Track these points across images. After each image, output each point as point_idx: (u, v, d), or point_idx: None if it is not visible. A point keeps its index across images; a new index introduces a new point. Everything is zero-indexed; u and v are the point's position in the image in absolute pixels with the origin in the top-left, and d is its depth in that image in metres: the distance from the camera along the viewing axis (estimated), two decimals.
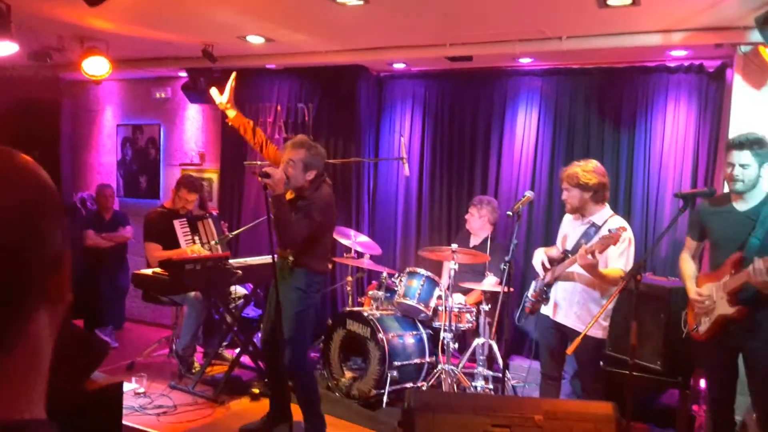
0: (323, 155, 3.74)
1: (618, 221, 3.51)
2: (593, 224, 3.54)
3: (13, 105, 6.63)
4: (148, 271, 4.48)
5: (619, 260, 3.39)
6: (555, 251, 3.78)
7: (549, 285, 3.66)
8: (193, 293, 4.82)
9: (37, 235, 0.66)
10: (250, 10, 4.19)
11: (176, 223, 4.93)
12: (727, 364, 3.24)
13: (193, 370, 4.90)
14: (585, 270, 3.36)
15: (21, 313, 0.65)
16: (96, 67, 5.17)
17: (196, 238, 5.02)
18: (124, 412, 3.22)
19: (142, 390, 4.48)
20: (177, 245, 4.90)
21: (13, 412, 0.66)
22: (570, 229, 3.71)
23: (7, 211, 0.64)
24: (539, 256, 3.74)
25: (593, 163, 3.56)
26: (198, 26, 4.67)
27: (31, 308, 0.66)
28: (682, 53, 4.57)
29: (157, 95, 6.75)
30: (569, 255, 3.53)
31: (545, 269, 3.68)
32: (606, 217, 3.55)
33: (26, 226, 0.65)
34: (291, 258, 3.66)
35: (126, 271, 5.99)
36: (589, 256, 3.24)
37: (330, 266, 4.03)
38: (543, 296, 3.66)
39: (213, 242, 5.02)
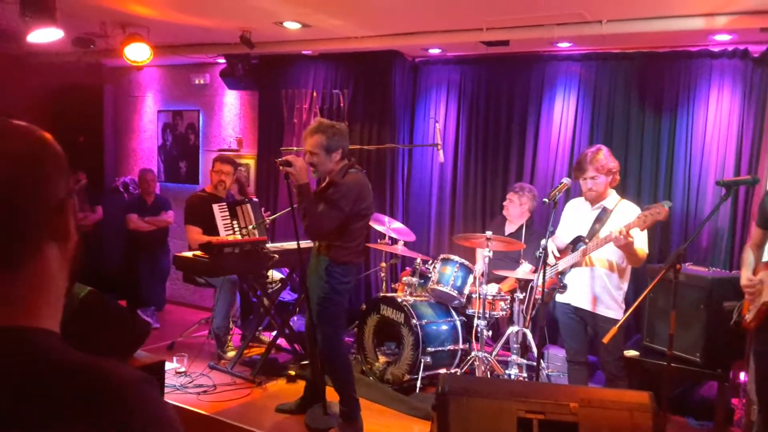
0: (343, 132, 3.60)
1: (629, 204, 3.58)
2: (604, 208, 3.60)
3: (57, 90, 6.82)
4: (189, 254, 4.58)
5: (640, 237, 3.43)
6: (560, 240, 3.84)
7: (563, 273, 3.70)
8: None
9: (43, 182, 0.77)
10: None
11: (215, 207, 5.01)
12: None
13: (226, 349, 5.02)
14: (621, 250, 3.39)
15: (30, 243, 0.77)
16: (138, 53, 5.28)
17: (235, 222, 5.10)
18: (166, 390, 3.32)
19: (182, 369, 4.61)
20: (216, 229, 4.99)
21: (26, 319, 0.75)
22: (578, 215, 3.76)
23: (16, 160, 0.75)
24: (550, 247, 3.77)
25: (605, 149, 3.63)
26: (236, 12, 4.72)
27: (40, 240, 0.77)
28: (726, 37, 4.44)
29: (196, 81, 6.86)
30: (585, 241, 3.59)
31: (556, 258, 3.74)
32: (616, 200, 3.62)
33: (33, 174, 0.77)
34: (315, 244, 3.70)
35: (167, 254, 6.13)
36: (623, 235, 3.25)
37: (362, 258, 3.90)
38: (559, 284, 3.69)
39: (251, 227, 5.10)
